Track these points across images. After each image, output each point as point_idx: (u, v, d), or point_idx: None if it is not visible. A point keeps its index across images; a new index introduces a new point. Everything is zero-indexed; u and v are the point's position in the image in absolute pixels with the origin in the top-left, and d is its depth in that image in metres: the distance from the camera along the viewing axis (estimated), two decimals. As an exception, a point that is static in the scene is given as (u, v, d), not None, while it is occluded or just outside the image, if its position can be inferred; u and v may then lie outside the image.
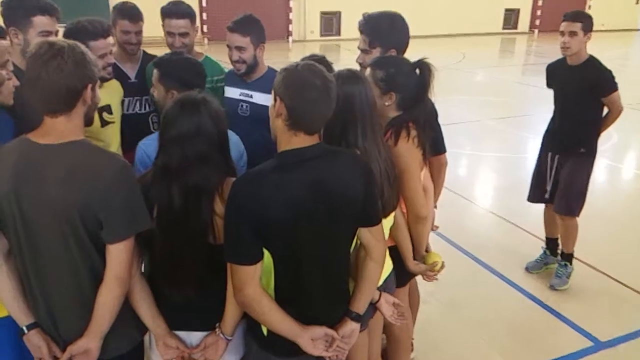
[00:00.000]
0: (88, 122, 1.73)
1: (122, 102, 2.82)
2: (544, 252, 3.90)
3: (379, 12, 2.47)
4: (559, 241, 3.81)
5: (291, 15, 18.10)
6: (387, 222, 2.01)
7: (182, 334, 1.77)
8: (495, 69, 14.19)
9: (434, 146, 2.35)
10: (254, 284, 1.54)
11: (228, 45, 2.64)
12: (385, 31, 2.40)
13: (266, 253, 1.58)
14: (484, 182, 6.29)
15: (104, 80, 2.58)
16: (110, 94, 2.67)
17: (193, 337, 1.77)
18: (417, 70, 2.10)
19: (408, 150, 1.99)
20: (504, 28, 21.59)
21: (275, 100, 1.59)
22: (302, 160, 1.57)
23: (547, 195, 3.66)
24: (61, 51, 1.52)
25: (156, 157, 1.68)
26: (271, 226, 1.52)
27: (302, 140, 1.58)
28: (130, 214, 1.58)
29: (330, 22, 18.85)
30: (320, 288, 1.67)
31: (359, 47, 2.50)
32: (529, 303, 3.57)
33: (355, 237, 1.74)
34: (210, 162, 1.64)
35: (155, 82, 2.17)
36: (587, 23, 3.26)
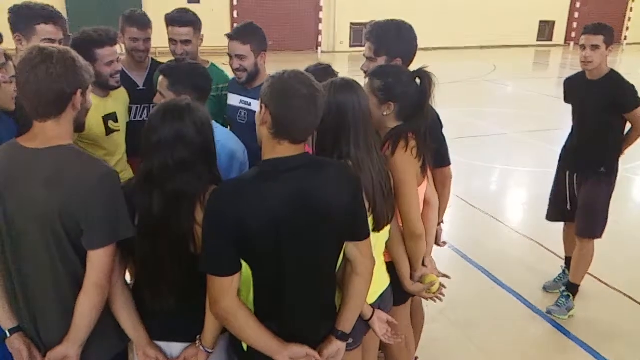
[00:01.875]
0: (78, 128, 1.73)
1: (130, 109, 2.85)
2: (563, 271, 3.72)
3: (386, 20, 2.42)
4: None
5: (321, 26, 18.19)
6: (382, 236, 1.94)
7: (162, 344, 1.73)
8: (527, 81, 13.87)
9: (437, 158, 2.27)
10: (230, 296, 1.49)
11: (229, 54, 2.63)
12: (391, 40, 2.35)
13: (245, 264, 1.53)
14: (507, 197, 6.10)
15: (112, 89, 2.62)
16: (117, 102, 2.70)
17: (174, 348, 1.74)
18: (418, 80, 2.02)
19: (405, 162, 1.92)
20: (538, 40, 21.14)
21: (261, 107, 1.56)
22: (285, 169, 1.52)
23: (568, 215, 3.48)
24: (50, 56, 1.53)
25: (140, 164, 1.66)
26: (250, 237, 1.47)
27: (286, 149, 1.53)
28: (112, 221, 1.57)
29: (360, 33, 18.82)
30: (303, 304, 1.61)
31: (364, 55, 2.45)
32: (546, 326, 3.39)
33: (342, 252, 1.67)
34: (192, 170, 1.61)
35: (164, 91, 2.14)
36: (609, 36, 3.11)
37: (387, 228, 1.94)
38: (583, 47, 3.16)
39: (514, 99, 11.64)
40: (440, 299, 2.19)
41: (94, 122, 2.56)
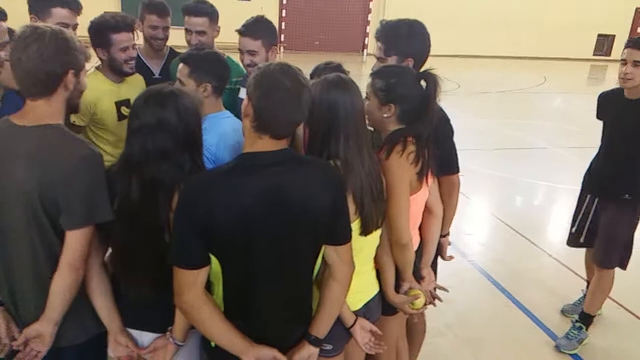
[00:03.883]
0: (72, 109, 1.74)
1: (145, 96, 2.87)
2: (584, 295, 3.49)
3: (398, 20, 2.33)
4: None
5: (368, 29, 18.06)
6: (371, 241, 1.86)
7: (135, 332, 1.72)
8: (577, 95, 13.28)
9: (443, 165, 2.16)
10: (194, 290, 1.45)
11: (240, 49, 2.60)
12: (401, 39, 2.25)
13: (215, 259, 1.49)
14: (538, 214, 5.78)
15: (126, 75, 2.65)
16: (132, 88, 2.71)
17: (145, 337, 1.72)
18: (423, 82, 1.93)
19: (398, 166, 1.83)
20: (594, 54, 20.26)
21: (245, 99, 1.52)
22: (261, 164, 1.47)
23: (581, 240, 3.28)
24: (43, 35, 1.54)
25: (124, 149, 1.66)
26: (219, 231, 1.43)
27: (266, 144, 1.48)
28: (90, 203, 1.56)
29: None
30: (275, 305, 1.56)
31: (375, 55, 2.37)
32: (560, 354, 3.19)
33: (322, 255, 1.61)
34: (172, 159, 1.58)
35: (184, 78, 2.12)
36: None
37: (377, 233, 1.86)
38: (624, 62, 2.92)
39: (560, 113, 11.18)
40: (424, 314, 2.08)
41: (107, 107, 2.60)
